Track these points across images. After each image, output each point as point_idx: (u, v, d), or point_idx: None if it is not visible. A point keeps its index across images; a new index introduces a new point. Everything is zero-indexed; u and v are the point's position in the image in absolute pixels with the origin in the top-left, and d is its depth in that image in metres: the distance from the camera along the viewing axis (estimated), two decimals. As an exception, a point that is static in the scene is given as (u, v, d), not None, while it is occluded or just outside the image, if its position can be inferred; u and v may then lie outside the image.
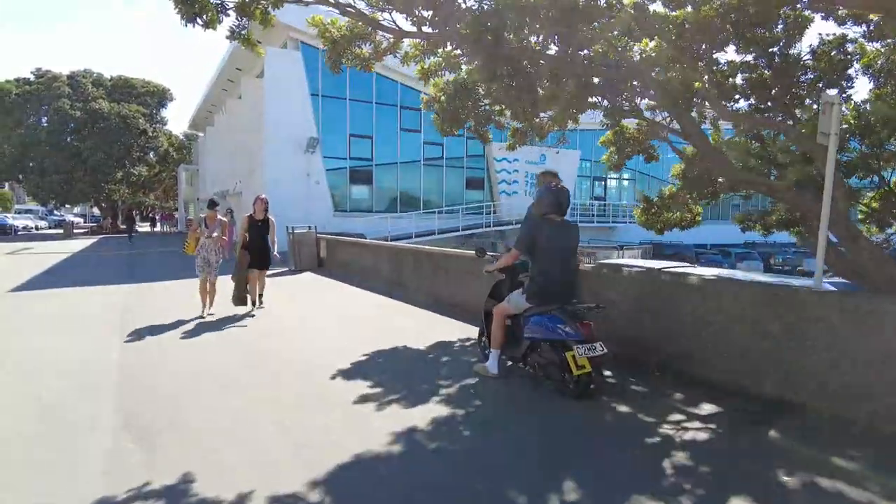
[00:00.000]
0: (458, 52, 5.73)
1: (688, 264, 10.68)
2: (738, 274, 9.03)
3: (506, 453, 3.41)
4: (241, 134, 24.64)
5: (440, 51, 6.03)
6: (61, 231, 34.55)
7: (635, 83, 6.58)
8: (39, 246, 23.33)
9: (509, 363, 5.04)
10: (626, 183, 31.18)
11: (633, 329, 5.27)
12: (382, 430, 3.67)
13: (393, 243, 10.54)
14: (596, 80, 6.34)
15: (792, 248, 32.39)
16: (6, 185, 56.10)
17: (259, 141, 23.05)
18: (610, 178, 30.48)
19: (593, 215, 27.99)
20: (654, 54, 6.27)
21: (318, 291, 10.67)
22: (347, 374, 5.00)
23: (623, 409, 4.15)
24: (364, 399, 4.36)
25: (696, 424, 3.85)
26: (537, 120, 9.40)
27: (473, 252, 6.12)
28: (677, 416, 3.98)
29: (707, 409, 4.10)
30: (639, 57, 6.30)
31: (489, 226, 24.10)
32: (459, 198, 25.32)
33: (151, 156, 42.36)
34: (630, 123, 10.34)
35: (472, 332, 6.71)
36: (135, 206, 45.83)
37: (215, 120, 33.96)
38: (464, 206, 24.46)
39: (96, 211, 51.48)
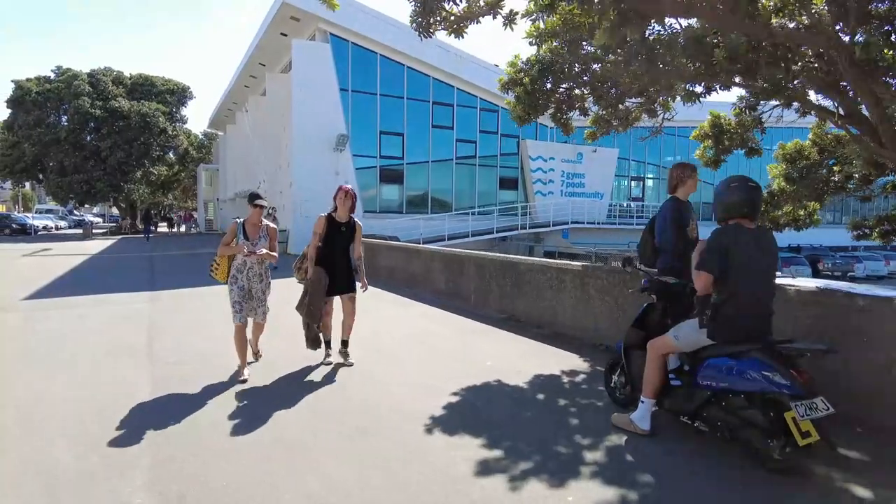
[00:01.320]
0: (583, 7, 4.49)
1: (873, 286, 9.35)
2: None
3: None
4: (266, 131, 23.68)
5: (562, 5, 4.80)
6: (80, 231, 33.98)
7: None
8: (58, 247, 22.55)
9: (654, 408, 3.78)
10: (663, 183, 29.69)
11: (812, 370, 4.01)
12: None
13: (450, 249, 9.37)
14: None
15: (839, 253, 30.71)
16: (27, 184, 56.03)
17: (285, 138, 22.06)
18: (648, 178, 29.05)
19: (633, 216, 26.60)
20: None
21: (368, 303, 9.51)
22: (447, 426, 3.82)
23: (861, 491, 2.91)
24: (485, 469, 3.18)
25: None
26: (622, 107, 8.21)
27: (602, 262, 4.88)
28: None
29: None
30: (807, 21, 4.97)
31: (524, 227, 22.84)
32: (492, 198, 24.10)
33: (171, 155, 41.76)
34: (722, 111, 9.10)
35: (573, 362, 5.50)
36: (153, 206, 45.30)
37: (237, 118, 33.13)
38: (498, 207, 23.21)
39: (115, 211, 51.10)
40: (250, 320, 5.27)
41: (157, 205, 47.10)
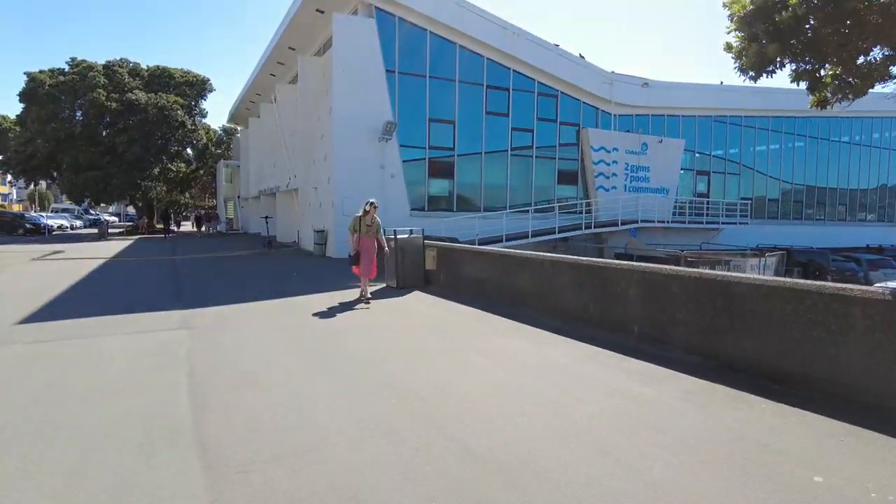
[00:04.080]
0: None
1: None
2: None
3: None
4: (297, 122, 21.37)
5: None
6: (95, 231, 32.02)
7: None
8: (71, 248, 20.45)
9: None
10: (728, 178, 26.98)
11: None
12: None
13: (587, 259, 6.91)
14: None
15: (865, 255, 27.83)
16: (42, 183, 54.34)
17: (321, 129, 19.75)
18: (715, 173, 26.33)
19: (702, 214, 23.93)
20: None
21: (464, 332, 7.09)
22: None
23: None
24: None
25: None
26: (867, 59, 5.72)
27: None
28: None
29: None
30: None
31: (589, 227, 20.29)
32: (549, 193, 21.58)
33: (189, 151, 39.76)
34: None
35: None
36: (171, 205, 43.37)
37: (261, 110, 30.89)
38: (559, 204, 20.69)
39: (131, 210, 49.24)
40: None
41: (175, 203, 45.09)
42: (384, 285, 10.97)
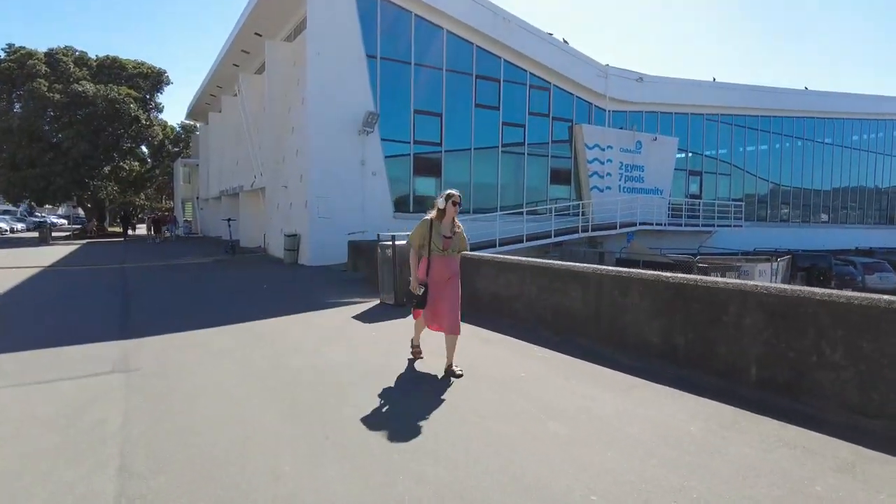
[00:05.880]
0: None
1: None
2: None
3: None
4: (264, 115, 19.27)
5: None
6: (37, 235, 28.97)
7: None
8: (1, 255, 17.80)
9: None
10: (720, 178, 26.07)
11: None
12: None
13: (659, 274, 5.26)
14: None
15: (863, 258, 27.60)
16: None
17: (291, 120, 17.73)
18: (707, 173, 25.33)
19: (699, 216, 22.82)
20: None
21: (510, 375, 5.35)
22: None
23: None
24: None
25: None
26: None
27: None
28: None
29: None
30: None
31: (586, 230, 18.81)
32: (542, 194, 20.04)
33: (144, 148, 36.85)
34: None
35: None
36: (125, 206, 40.27)
37: (223, 104, 28.46)
38: (555, 206, 19.15)
39: (82, 212, 45.70)
40: None
41: (129, 204, 41.93)
42: (377, 301, 9.13)
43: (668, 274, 5.26)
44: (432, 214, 5.05)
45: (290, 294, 10.37)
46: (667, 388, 4.59)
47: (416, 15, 16.49)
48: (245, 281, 12.57)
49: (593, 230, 18.91)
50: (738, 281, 4.73)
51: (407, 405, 4.22)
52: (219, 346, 6.19)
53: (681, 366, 4.99)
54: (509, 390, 4.58)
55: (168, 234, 28.20)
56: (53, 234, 30.23)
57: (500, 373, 5.11)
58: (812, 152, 29.92)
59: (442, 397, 4.39)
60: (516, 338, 6.54)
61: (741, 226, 23.81)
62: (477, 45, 17.77)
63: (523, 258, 7.39)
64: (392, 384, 4.76)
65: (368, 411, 4.06)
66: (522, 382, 4.81)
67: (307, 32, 15.13)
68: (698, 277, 4.96)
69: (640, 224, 19.93)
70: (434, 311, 5.02)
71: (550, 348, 5.99)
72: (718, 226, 23.16)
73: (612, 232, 19.20)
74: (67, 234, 34.69)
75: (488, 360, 5.60)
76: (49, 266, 15.23)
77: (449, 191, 5.11)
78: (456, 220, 5.12)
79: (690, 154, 24.50)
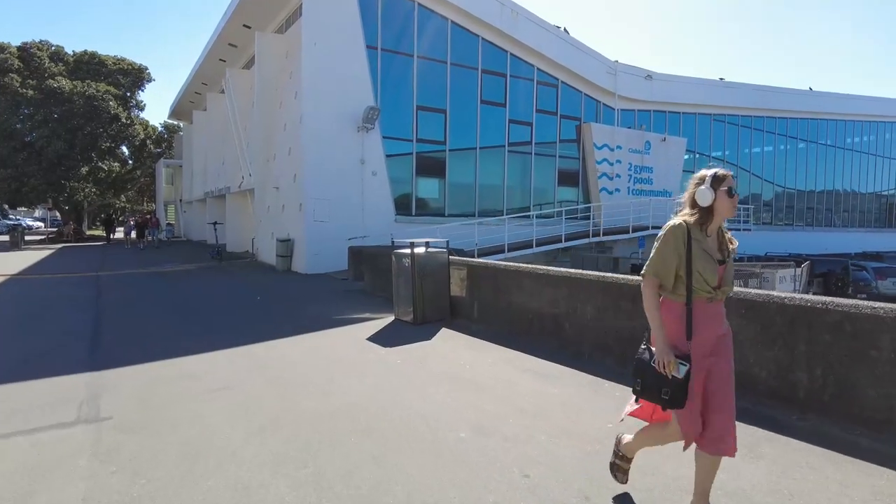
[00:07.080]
0: None
1: None
2: None
3: None
4: (253, 111, 18.04)
5: None
6: (7, 239, 27.28)
7: None
8: (-36, 264, 16.32)
9: None
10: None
11: None
12: None
13: (759, 292, 4.20)
14: None
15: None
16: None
17: (283, 117, 16.52)
18: (713, 174, 24.53)
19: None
20: None
21: (585, 425, 4.27)
22: None
23: None
24: None
25: None
26: None
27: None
28: None
29: None
30: None
31: (597, 234, 17.83)
32: (549, 195, 19.02)
33: (125, 149, 35.24)
34: None
35: None
36: (105, 209, 38.59)
37: (207, 102, 27.07)
38: (565, 209, 18.11)
39: (59, 215, 43.80)
40: None
41: (109, 206, 40.22)
42: (391, 318, 7.99)
43: (776, 294, 4.21)
44: (685, 217, 2.53)
45: (290, 308, 9.19)
46: (806, 444, 3.52)
47: (419, 3, 15.40)
48: (236, 291, 11.35)
49: (604, 234, 17.93)
50: (882, 305, 3.68)
51: (457, 475, 3.08)
52: (212, 380, 5.01)
53: (802, 408, 3.93)
54: (591, 444, 3.47)
55: (150, 238, 26.64)
56: (27, 237, 28.55)
57: (571, 424, 4.00)
58: (816, 155, 29.38)
59: (495, 464, 3.27)
60: (567, 365, 5.44)
61: (750, 229, 23.04)
62: (483, 38, 16.72)
63: (572, 270, 6.29)
64: (437, 445, 3.62)
65: (420, 482, 2.93)
66: (603, 436, 3.71)
67: (303, 20, 13.97)
68: (827, 300, 3.90)
69: (653, 228, 19.01)
70: (702, 407, 2.49)
71: (616, 381, 4.90)
72: (727, 229, 22.33)
73: (624, 236, 18.24)
74: (42, 237, 32.95)
75: (549, 404, 4.49)
76: (16, 274, 13.83)
77: (715, 170, 2.53)
78: (724, 229, 2.69)
79: (697, 155, 23.70)
